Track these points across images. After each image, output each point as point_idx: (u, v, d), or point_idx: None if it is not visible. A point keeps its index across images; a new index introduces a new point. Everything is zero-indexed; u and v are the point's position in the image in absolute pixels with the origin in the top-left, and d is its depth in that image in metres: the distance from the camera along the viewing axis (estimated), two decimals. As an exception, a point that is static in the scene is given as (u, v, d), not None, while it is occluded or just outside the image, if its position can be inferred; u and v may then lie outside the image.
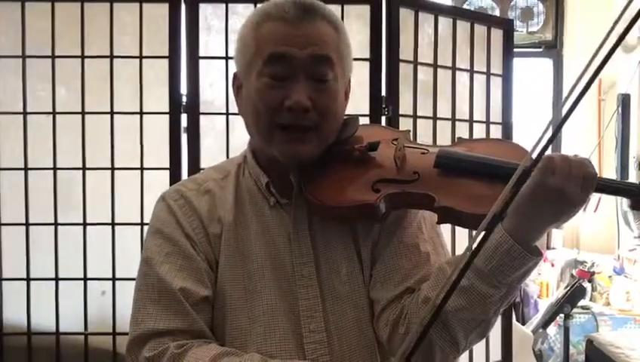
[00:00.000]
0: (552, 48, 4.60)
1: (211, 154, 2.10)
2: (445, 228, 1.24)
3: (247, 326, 1.03)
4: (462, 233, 2.19)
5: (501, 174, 0.99)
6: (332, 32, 1.04)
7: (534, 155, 0.96)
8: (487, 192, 0.99)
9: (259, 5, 1.09)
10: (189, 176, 1.70)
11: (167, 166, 2.12)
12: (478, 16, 2.65)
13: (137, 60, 2.14)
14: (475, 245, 0.84)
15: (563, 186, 0.91)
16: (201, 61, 2.13)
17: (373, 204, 1.00)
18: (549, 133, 0.87)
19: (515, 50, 2.50)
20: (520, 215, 0.93)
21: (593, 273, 3.69)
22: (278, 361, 0.97)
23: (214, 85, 2.15)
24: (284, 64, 1.00)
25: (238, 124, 1.10)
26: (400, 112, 2.16)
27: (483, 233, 0.83)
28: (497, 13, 4.50)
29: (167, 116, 2.13)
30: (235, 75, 1.10)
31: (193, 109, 2.13)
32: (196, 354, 0.96)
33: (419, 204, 1.03)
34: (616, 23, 0.87)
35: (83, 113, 2.14)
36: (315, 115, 1.01)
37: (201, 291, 1.02)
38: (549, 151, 0.90)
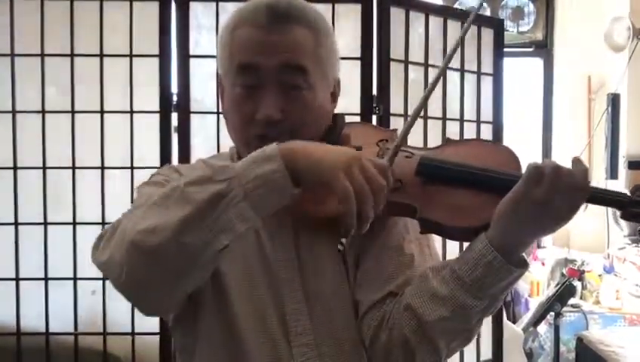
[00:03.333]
0: (543, 48, 4.62)
1: (201, 153, 2.09)
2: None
3: (240, 321, 1.01)
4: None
5: (486, 183, 0.96)
6: (309, 37, 1.00)
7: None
8: (471, 202, 0.96)
9: (242, 4, 1.07)
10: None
11: (158, 165, 2.11)
12: (468, 16, 2.65)
13: (127, 59, 2.13)
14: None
15: (549, 198, 0.88)
16: (191, 60, 2.12)
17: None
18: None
19: (505, 49, 2.50)
20: (503, 224, 0.91)
21: (583, 271, 3.71)
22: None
23: (205, 84, 2.15)
24: (253, 74, 0.98)
25: (229, 122, 1.09)
26: (391, 111, 2.16)
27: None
28: (488, 12, 4.51)
29: (158, 115, 2.12)
30: (219, 75, 1.08)
31: (183, 108, 2.13)
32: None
33: (401, 213, 1.01)
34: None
35: (72, 112, 2.13)
36: (286, 124, 0.99)
37: None
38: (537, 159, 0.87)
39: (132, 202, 1.06)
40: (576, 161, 0.92)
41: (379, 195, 0.83)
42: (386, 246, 1.06)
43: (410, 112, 2.24)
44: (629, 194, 0.96)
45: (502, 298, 0.98)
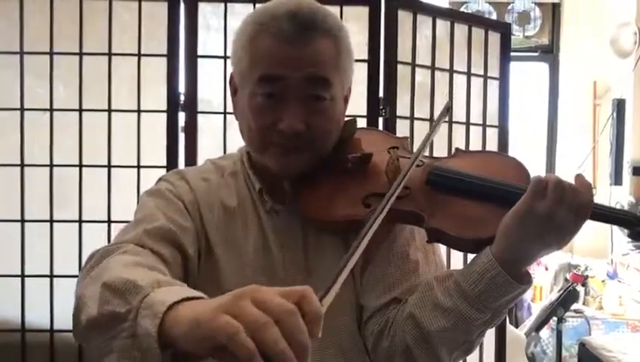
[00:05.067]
0: (548, 52, 4.63)
1: (208, 153, 2.10)
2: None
3: None
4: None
5: (494, 196, 0.96)
6: (331, 48, 0.99)
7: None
8: (479, 214, 0.96)
9: (258, 7, 1.05)
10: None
11: (165, 164, 2.12)
12: (475, 20, 2.66)
13: (136, 58, 2.14)
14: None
15: (553, 213, 0.87)
16: (199, 60, 2.13)
17: (362, 219, 0.96)
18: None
19: (511, 53, 2.50)
20: (508, 239, 0.90)
21: (586, 277, 3.70)
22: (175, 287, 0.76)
23: (212, 84, 2.15)
24: (276, 85, 0.97)
25: (236, 123, 1.09)
26: (397, 114, 2.17)
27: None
28: (494, 17, 4.52)
29: (165, 114, 2.13)
30: (232, 76, 1.07)
31: (191, 108, 2.13)
32: (121, 257, 0.88)
33: (408, 221, 1.01)
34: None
35: (80, 110, 2.14)
36: (309, 135, 0.99)
37: (180, 240, 0.98)
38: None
39: (137, 201, 1.07)
40: (580, 177, 0.91)
41: (287, 322, 0.59)
42: (392, 252, 1.06)
43: (416, 115, 2.24)
44: (638, 214, 0.94)
45: (505, 311, 0.97)
